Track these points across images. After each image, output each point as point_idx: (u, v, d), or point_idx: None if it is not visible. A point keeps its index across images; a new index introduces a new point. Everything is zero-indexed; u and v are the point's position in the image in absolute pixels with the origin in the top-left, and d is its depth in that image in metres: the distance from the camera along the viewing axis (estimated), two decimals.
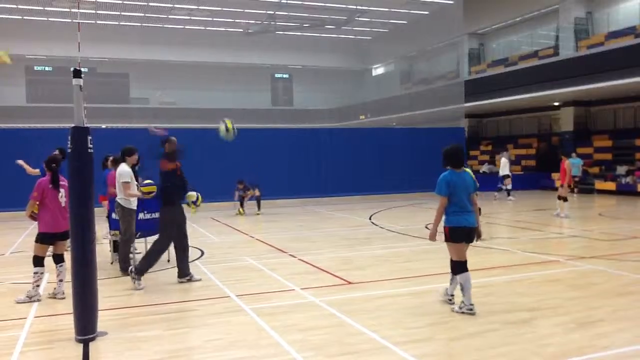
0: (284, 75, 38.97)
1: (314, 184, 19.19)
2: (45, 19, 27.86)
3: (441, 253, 7.59)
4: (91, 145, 5.06)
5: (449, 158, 5.69)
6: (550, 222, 12.67)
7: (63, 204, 6.28)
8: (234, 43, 32.39)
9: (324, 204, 18.31)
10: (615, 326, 5.08)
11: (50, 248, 6.46)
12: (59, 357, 4.59)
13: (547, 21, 26.28)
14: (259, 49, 32.69)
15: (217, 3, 27.14)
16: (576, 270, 7.51)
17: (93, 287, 5.05)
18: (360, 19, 30.94)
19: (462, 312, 5.48)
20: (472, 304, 5.48)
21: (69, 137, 5.00)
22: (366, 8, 28.82)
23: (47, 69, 32.47)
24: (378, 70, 39.94)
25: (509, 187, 18.67)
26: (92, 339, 4.93)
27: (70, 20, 27.16)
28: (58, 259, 6.44)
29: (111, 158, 8.90)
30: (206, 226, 12.99)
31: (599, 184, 20.60)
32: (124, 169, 7.68)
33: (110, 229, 8.62)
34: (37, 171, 9.23)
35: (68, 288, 5.57)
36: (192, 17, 29.30)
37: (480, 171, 24.94)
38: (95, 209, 5.22)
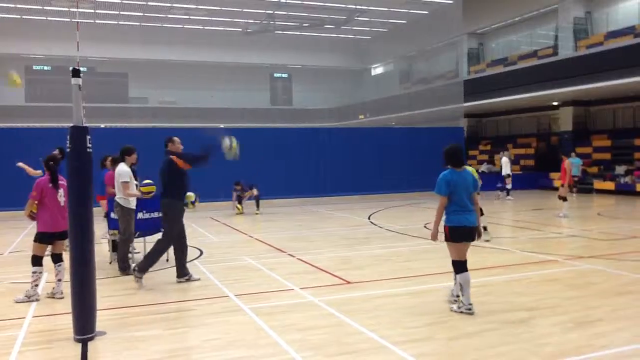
0: (283, 75, 38.96)
1: (313, 183, 19.19)
2: (44, 18, 27.84)
3: (440, 253, 7.61)
4: (90, 145, 5.06)
5: (449, 157, 5.70)
6: (549, 222, 12.68)
7: (62, 204, 6.27)
8: (233, 42, 32.41)
9: (323, 204, 18.30)
10: (614, 326, 5.08)
11: (49, 247, 6.46)
12: (58, 357, 4.59)
13: (547, 21, 26.29)
14: (258, 49, 32.69)
15: (216, 2, 27.12)
16: (575, 269, 7.51)
17: (92, 286, 5.05)
18: (359, 18, 30.93)
19: (461, 312, 5.49)
20: (470, 304, 5.49)
21: (68, 137, 5.00)
22: (365, 8, 28.80)
23: (46, 68, 32.45)
24: (377, 70, 39.93)
25: (509, 186, 18.71)
26: (91, 339, 4.92)
27: (69, 20, 27.17)
28: (57, 258, 6.43)
29: (110, 158, 8.89)
30: (205, 226, 12.98)
31: (598, 184, 20.61)
32: (123, 168, 7.68)
33: (109, 228, 8.62)
34: (38, 172, 9.22)
35: (67, 288, 5.58)
36: (191, 17, 29.30)
37: (479, 171, 24.90)
38: (94, 209, 5.22)
